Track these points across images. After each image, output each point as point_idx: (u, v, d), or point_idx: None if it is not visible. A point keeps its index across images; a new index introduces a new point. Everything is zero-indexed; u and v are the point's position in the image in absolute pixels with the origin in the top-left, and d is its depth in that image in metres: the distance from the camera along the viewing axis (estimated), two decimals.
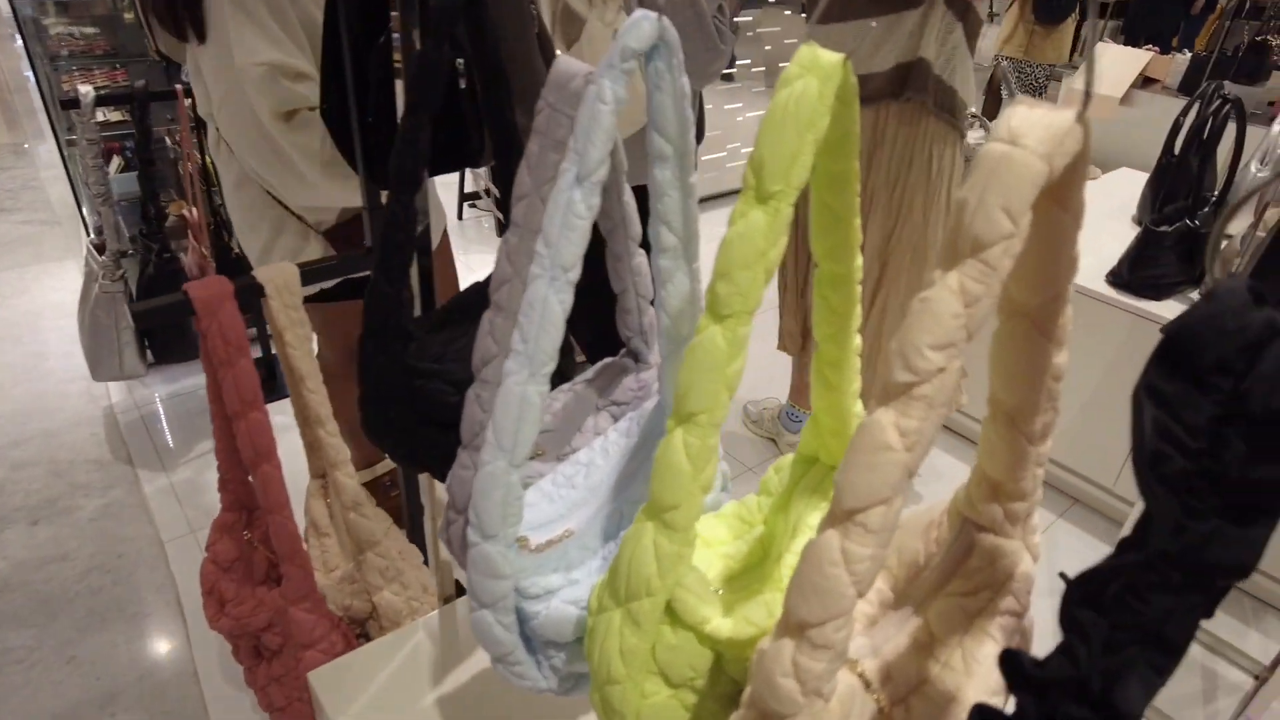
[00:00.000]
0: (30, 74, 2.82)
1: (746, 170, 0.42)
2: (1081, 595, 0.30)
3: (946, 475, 2.30)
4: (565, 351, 0.84)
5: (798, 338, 2.26)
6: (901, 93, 1.75)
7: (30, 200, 4.22)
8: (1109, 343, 2.07)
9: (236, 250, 2.42)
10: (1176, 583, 0.28)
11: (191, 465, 2.31)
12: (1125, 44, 4.53)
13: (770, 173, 0.41)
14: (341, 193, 1.37)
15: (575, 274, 0.52)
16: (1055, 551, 2.17)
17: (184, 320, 2.34)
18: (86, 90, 1.80)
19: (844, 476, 0.36)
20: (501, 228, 0.64)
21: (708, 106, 3.38)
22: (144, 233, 2.32)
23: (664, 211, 0.57)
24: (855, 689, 0.44)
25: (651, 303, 0.69)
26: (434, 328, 0.81)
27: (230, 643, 1.18)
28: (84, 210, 2.81)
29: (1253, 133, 2.05)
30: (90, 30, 2.88)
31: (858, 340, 0.56)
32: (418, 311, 0.98)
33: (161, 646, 1.79)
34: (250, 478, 1.03)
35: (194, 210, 2.22)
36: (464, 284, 0.91)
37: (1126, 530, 0.37)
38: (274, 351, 2.13)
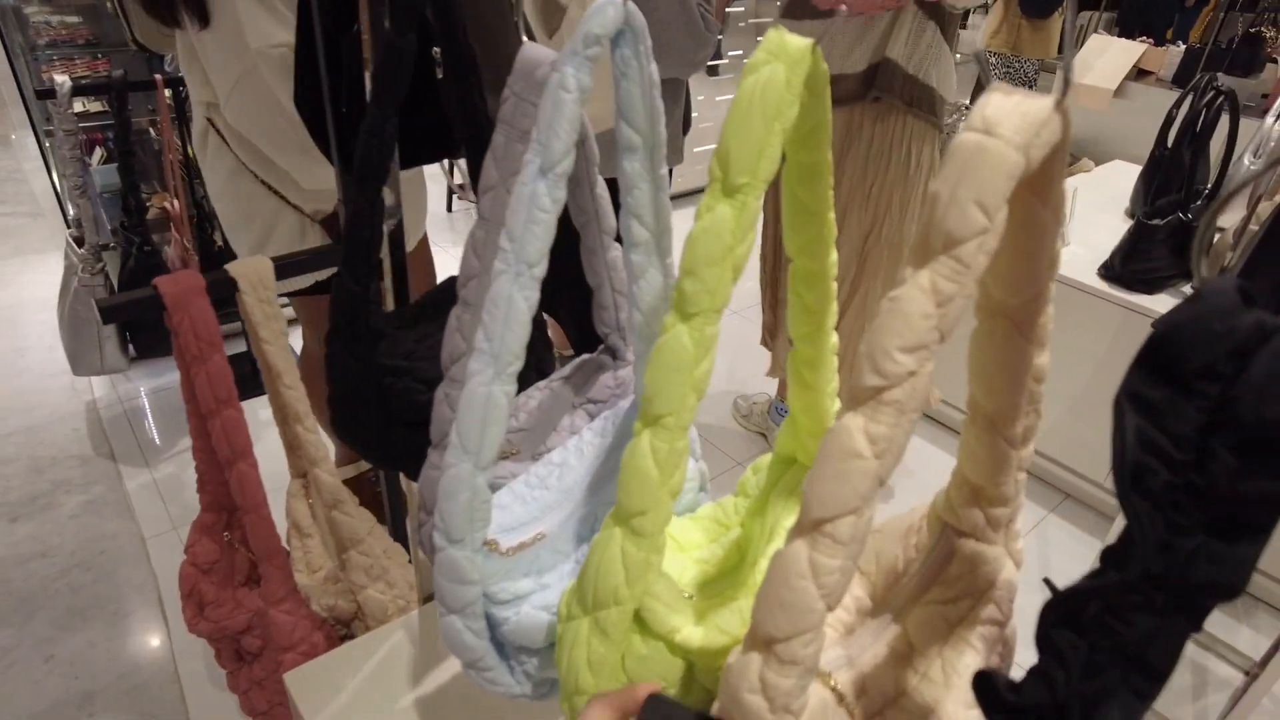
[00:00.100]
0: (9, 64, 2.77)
1: (712, 162, 0.40)
2: (1059, 616, 0.28)
3: (919, 473, 2.28)
4: (544, 347, 0.82)
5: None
6: (868, 93, 1.72)
7: (14, 192, 4.16)
8: (1101, 336, 2.06)
9: (220, 243, 2.38)
10: (1160, 604, 0.26)
11: (175, 461, 2.28)
12: (1120, 36, 4.51)
13: (737, 165, 0.39)
14: None
15: (541, 270, 0.49)
16: (1047, 547, 2.16)
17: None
18: (63, 80, 1.77)
19: (812, 485, 0.34)
20: None
21: (699, 98, 3.35)
22: (125, 225, 2.28)
23: (634, 205, 0.54)
24: (828, 703, 0.42)
25: None
26: (407, 324, 0.79)
27: (212, 647, 1.16)
28: (64, 202, 2.76)
29: (1246, 125, 2.04)
30: (72, 19, 2.84)
31: (834, 339, 0.54)
32: (391, 307, 0.96)
33: (142, 645, 1.77)
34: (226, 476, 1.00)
35: (176, 202, 2.19)
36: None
37: (1118, 527, 0.35)
38: None
